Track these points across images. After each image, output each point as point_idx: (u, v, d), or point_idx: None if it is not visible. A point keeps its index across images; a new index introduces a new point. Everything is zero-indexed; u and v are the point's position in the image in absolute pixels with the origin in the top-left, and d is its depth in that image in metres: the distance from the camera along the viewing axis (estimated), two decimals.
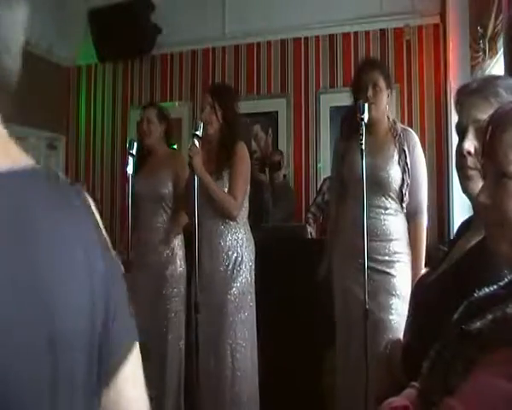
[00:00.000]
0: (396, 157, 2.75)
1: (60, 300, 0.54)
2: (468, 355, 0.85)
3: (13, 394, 0.49)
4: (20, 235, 0.53)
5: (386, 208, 2.74)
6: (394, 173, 2.73)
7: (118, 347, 0.62)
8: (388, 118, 2.86)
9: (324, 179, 4.54)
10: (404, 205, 2.76)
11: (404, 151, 2.75)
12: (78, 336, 0.56)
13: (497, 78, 1.43)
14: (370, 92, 2.74)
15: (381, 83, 2.77)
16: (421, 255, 2.76)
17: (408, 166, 2.74)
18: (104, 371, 0.60)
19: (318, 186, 4.70)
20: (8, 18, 0.57)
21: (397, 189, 2.74)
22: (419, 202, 2.78)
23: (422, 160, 2.82)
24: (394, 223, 2.74)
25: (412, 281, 2.63)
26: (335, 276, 2.82)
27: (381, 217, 2.73)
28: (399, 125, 2.87)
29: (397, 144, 2.77)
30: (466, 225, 1.43)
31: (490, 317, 0.86)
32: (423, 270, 2.67)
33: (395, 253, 2.72)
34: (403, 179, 2.74)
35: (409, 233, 2.79)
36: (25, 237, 0.53)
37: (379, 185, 2.73)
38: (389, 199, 2.75)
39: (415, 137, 2.82)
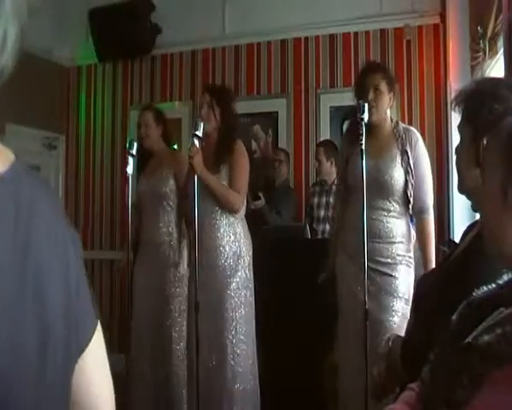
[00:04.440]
0: (398, 159, 2.74)
1: (46, 284, 0.57)
2: (475, 369, 0.83)
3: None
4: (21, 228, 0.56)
5: (390, 211, 2.74)
6: (397, 176, 2.73)
7: (84, 326, 0.64)
8: (392, 120, 2.87)
9: (312, 185, 4.65)
10: (410, 206, 2.76)
11: (407, 152, 2.74)
12: (58, 318, 0.58)
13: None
14: (372, 95, 2.75)
15: (383, 86, 2.78)
16: (429, 255, 2.74)
17: (411, 166, 2.73)
18: (74, 350, 0.62)
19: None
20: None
21: (400, 191, 2.74)
22: (423, 200, 2.78)
23: (425, 156, 2.81)
24: (397, 225, 2.74)
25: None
26: (339, 278, 2.82)
27: (384, 219, 2.73)
28: (401, 126, 2.87)
29: (399, 146, 2.76)
30: (471, 227, 1.44)
31: (499, 331, 0.85)
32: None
33: (398, 255, 2.72)
34: (406, 181, 2.73)
35: (417, 233, 2.82)
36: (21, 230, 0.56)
37: (382, 188, 2.73)
38: (392, 202, 2.74)
39: (416, 135, 2.82)
